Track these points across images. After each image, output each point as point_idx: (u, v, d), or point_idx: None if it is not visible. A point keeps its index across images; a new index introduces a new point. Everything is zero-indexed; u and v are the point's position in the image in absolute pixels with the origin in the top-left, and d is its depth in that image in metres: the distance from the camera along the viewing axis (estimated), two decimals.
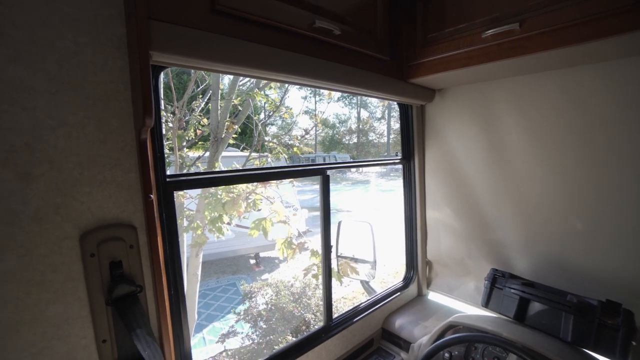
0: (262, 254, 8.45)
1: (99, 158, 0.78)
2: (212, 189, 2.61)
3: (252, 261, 8.55)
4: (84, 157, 0.76)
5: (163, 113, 2.58)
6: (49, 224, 0.72)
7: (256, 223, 2.22)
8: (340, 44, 1.18)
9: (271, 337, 4.27)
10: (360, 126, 40.36)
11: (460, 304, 1.91)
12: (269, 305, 4.62)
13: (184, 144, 3.10)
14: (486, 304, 1.42)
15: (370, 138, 40.79)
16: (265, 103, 4.12)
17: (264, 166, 1.23)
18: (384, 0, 1.35)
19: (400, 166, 1.91)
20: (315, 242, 2.29)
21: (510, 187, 1.58)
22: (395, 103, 1.82)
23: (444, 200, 1.89)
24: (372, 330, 1.76)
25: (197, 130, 3.03)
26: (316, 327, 1.89)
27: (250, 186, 2.44)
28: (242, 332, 4.58)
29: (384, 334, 1.80)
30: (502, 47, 1.19)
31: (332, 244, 1.62)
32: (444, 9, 1.33)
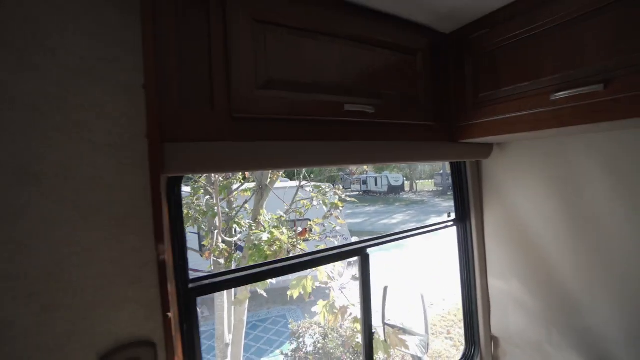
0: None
1: (119, 277, 0.76)
2: (255, 240, 2.61)
3: (306, 299, 8.48)
4: (104, 279, 0.74)
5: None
6: (70, 350, 0.69)
7: (297, 281, 2.12)
8: (377, 120, 1.07)
9: None
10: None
11: None
12: (317, 348, 4.43)
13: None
14: None
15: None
16: None
17: (299, 254, 1.16)
18: (425, 60, 1.21)
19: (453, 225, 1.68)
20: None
21: (604, 259, 1.26)
22: None
23: (510, 269, 1.59)
24: None
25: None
26: None
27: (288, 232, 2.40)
28: None
29: None
30: (580, 111, 0.96)
31: (374, 323, 1.45)
32: (498, 65, 1.14)
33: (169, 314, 0.81)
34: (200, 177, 2.86)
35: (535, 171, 1.44)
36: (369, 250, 1.29)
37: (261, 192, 2.97)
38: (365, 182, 30.00)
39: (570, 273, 1.37)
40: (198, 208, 2.75)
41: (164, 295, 0.81)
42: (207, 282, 0.95)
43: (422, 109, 1.19)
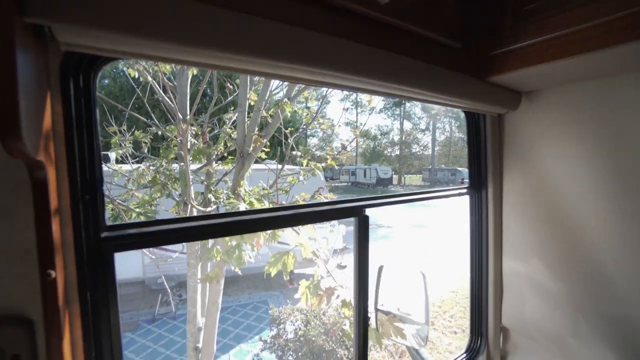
0: (296, 271, 8.11)
1: None
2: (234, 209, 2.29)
3: (286, 277, 8.24)
4: None
5: (184, 126, 2.32)
6: None
7: (276, 257, 1.83)
8: (389, 19, 0.76)
9: None
10: (403, 138, 39.04)
11: None
12: (298, 335, 4.19)
13: (209, 157, 2.84)
14: None
15: (413, 150, 39.19)
16: (302, 115, 3.80)
17: (275, 206, 0.90)
18: None
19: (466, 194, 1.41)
20: (346, 286, 1.85)
21: None
22: (460, 113, 1.34)
23: (530, 248, 1.34)
24: None
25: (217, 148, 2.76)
26: None
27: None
28: None
29: None
30: None
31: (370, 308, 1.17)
32: None
33: (52, 272, 0.49)
34: (170, 141, 2.49)
35: (572, 126, 1.17)
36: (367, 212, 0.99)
37: (242, 160, 2.64)
38: (354, 173, 29.83)
39: (609, 252, 1.12)
40: (168, 173, 2.41)
41: (45, 243, 0.49)
42: (133, 231, 0.63)
43: (449, 18, 0.88)
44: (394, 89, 0.85)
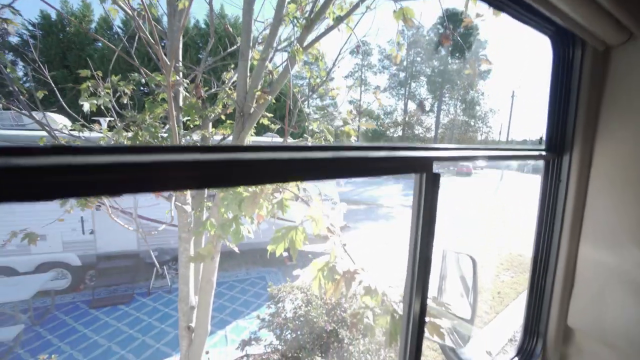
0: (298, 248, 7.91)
1: None
2: None
3: (285, 253, 8.04)
4: None
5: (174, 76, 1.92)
6: None
7: (282, 233, 1.50)
8: None
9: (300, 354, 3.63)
10: (407, 119, 38.23)
11: None
12: (297, 315, 3.98)
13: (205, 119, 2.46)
14: None
15: (416, 132, 38.48)
16: (309, 78, 3.37)
17: (300, 145, 0.60)
18: None
19: (540, 163, 1.07)
20: (367, 268, 1.53)
21: None
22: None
23: (623, 232, 1.01)
24: None
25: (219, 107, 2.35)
26: None
27: None
28: (265, 341, 4.01)
29: None
30: None
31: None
32: None
33: None
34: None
35: None
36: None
37: (242, 121, 2.26)
38: None
39: None
40: (153, 130, 2.03)
41: None
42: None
43: None
44: None
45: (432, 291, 1.25)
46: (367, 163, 0.54)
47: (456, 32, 2.39)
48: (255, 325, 4.40)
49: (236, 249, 2.19)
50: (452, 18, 2.59)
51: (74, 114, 2.72)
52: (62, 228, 5.80)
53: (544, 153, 1.04)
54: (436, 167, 0.66)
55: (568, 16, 0.74)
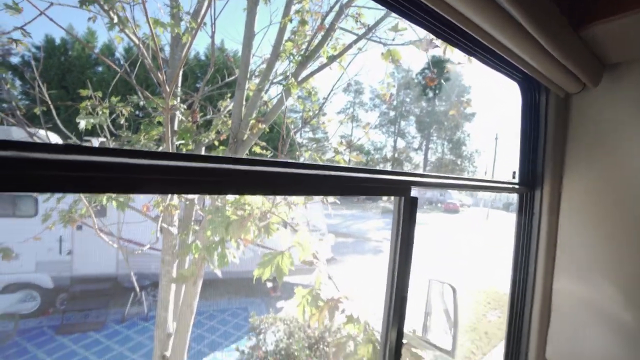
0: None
1: None
2: (219, 202, 1.95)
3: (269, 284, 7.78)
4: None
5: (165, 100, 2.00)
6: None
7: (268, 258, 1.50)
8: None
9: None
10: (396, 155, 39.23)
11: None
12: (279, 348, 3.81)
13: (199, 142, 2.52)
14: None
15: (405, 169, 39.34)
16: (302, 111, 3.51)
17: (287, 160, 0.64)
18: None
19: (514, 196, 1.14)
20: (350, 297, 1.53)
21: None
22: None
23: (594, 263, 1.07)
24: None
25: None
26: None
27: (266, 201, 1.72)
28: None
29: None
30: None
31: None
32: None
33: None
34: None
35: None
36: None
37: (235, 146, 2.32)
38: None
39: None
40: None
41: None
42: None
43: None
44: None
45: (417, 326, 1.27)
46: (350, 182, 0.60)
47: (442, 77, 2.58)
48: (234, 358, 4.17)
49: (220, 274, 2.16)
50: (437, 64, 2.81)
51: (67, 132, 2.75)
52: (38, 247, 5.55)
53: (517, 186, 1.11)
54: (414, 192, 0.72)
55: (531, 66, 0.85)
